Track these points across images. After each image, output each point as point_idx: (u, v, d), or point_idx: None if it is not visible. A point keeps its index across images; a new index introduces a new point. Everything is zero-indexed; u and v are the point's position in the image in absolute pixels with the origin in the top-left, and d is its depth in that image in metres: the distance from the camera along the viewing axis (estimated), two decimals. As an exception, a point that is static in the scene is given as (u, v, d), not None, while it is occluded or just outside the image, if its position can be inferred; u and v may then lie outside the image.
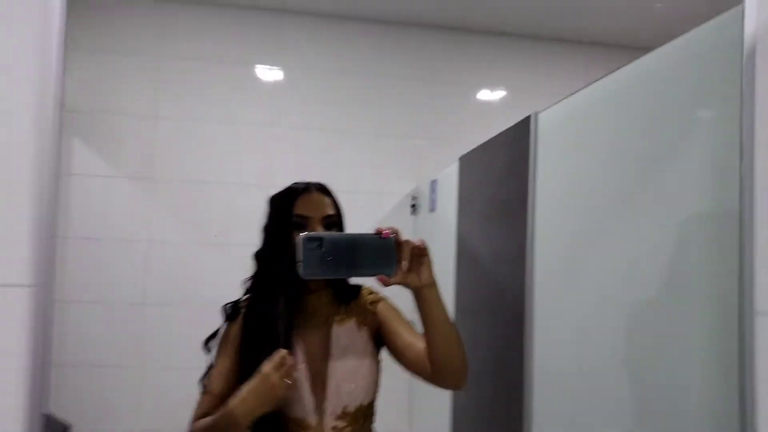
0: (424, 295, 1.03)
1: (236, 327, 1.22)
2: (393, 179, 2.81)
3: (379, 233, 0.97)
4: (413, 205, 2.77)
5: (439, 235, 2.30)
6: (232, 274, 1.36)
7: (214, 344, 1.24)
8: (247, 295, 1.25)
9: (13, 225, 0.64)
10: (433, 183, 2.47)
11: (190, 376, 1.33)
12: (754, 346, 0.72)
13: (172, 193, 2.62)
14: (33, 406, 0.67)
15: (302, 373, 1.17)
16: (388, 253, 0.96)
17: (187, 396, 1.26)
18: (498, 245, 1.69)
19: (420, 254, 0.99)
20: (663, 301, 1.01)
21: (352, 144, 2.79)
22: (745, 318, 0.75)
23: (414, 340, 1.18)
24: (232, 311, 1.24)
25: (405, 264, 0.97)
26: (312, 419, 1.16)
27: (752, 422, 0.73)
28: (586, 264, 1.26)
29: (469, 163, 2.02)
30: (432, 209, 2.49)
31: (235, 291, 1.28)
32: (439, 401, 2.17)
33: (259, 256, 1.25)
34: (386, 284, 0.99)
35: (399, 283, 0.99)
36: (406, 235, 0.99)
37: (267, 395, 1.06)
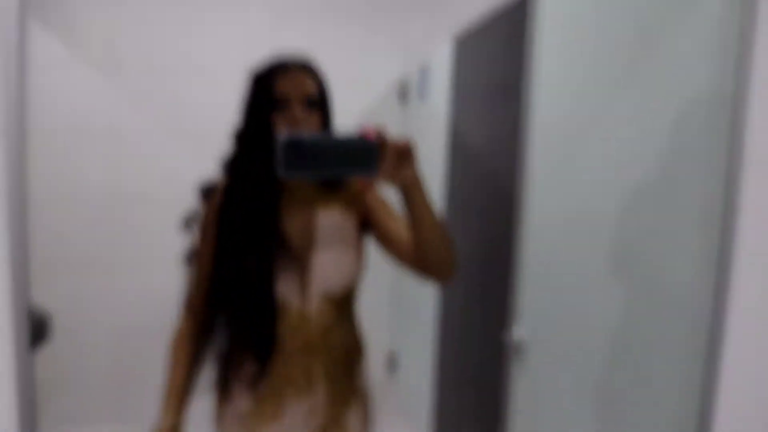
0: (409, 195, 1.00)
1: (213, 210, 1.18)
2: (374, 61, 2.65)
3: (362, 134, 0.91)
4: (402, 94, 2.63)
5: (431, 126, 2.20)
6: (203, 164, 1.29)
7: (194, 223, 1.22)
8: (227, 176, 1.19)
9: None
10: (424, 71, 2.32)
11: (164, 267, 1.31)
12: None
13: (139, 80, 2.48)
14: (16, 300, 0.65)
15: (291, 256, 1.16)
16: (371, 153, 0.92)
17: (162, 285, 1.25)
18: (493, 132, 1.62)
19: (405, 154, 0.94)
20: (659, 188, 0.98)
21: (335, 23, 2.59)
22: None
23: (403, 231, 1.16)
24: (208, 192, 1.20)
25: (389, 164, 0.94)
26: (295, 301, 1.16)
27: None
28: (583, 148, 1.20)
29: (463, 46, 1.88)
30: (422, 98, 2.36)
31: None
32: (426, 292, 2.20)
33: (239, 137, 1.18)
34: (368, 186, 0.97)
35: (383, 179, 0.95)
36: (394, 127, 0.93)
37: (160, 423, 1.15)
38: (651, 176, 1.00)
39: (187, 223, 1.23)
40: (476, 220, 1.74)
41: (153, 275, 2.48)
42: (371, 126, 0.93)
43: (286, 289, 1.16)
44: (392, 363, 2.98)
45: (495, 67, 1.61)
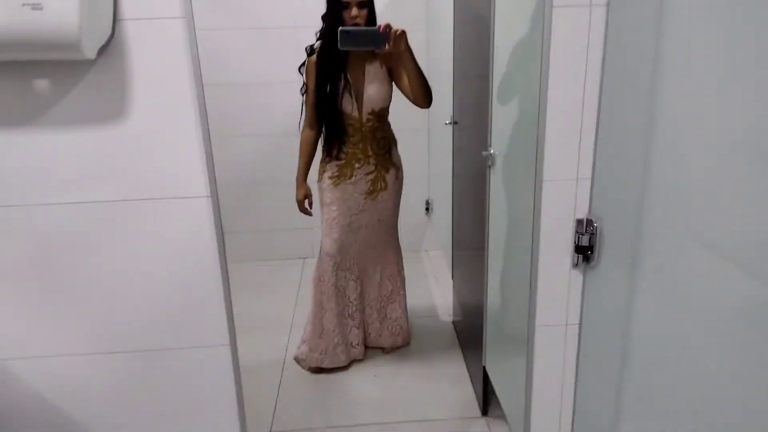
0: (404, 57, 2.04)
1: (312, 62, 2.18)
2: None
3: (379, 27, 1.89)
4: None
5: (445, 4, 2.64)
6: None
7: (303, 69, 2.23)
8: (318, 41, 2.17)
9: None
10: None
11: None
12: None
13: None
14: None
15: (351, 89, 2.16)
16: (383, 36, 1.90)
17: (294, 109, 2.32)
18: (475, 8, 2.07)
19: (401, 36, 1.94)
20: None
21: None
22: None
23: (405, 79, 2.16)
24: (311, 50, 2.21)
25: (391, 42, 1.92)
26: (355, 113, 2.20)
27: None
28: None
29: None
30: (438, -23, 2.77)
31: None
32: (446, 151, 2.76)
33: (324, 19, 2.12)
34: (382, 51, 2.05)
35: (389, 51, 1.96)
36: (419, 6, 2.49)
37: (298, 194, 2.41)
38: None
39: (300, 70, 2.25)
40: (471, 71, 2.23)
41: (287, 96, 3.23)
42: (383, 23, 1.90)
43: (349, 107, 2.18)
44: (429, 207, 3.64)
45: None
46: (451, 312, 2.93)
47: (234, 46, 3.19)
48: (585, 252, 1.26)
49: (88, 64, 1.12)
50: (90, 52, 1.05)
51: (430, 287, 3.26)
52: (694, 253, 0.96)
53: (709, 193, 0.92)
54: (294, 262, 3.63)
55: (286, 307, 3.06)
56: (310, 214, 2.44)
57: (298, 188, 2.39)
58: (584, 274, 1.31)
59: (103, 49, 1.11)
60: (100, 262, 1.27)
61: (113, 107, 1.16)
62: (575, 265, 1.29)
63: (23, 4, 0.93)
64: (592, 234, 1.24)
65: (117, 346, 1.34)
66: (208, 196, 1.23)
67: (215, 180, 1.23)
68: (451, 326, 2.82)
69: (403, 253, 2.56)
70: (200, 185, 1.23)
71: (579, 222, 1.26)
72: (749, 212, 0.82)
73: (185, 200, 1.24)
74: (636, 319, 1.16)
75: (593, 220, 1.24)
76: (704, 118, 0.92)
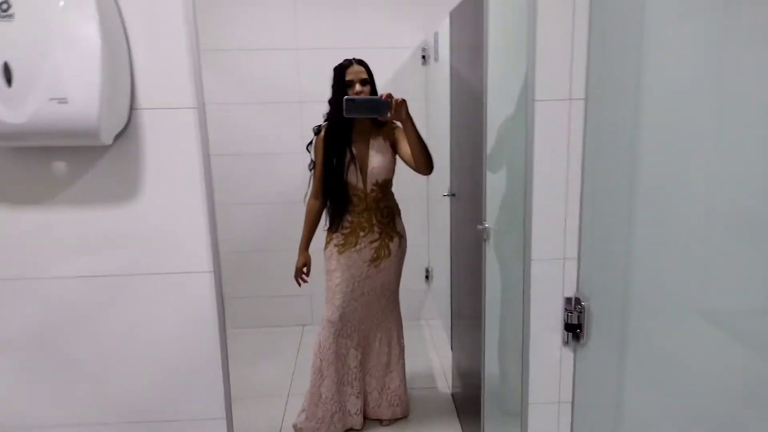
0: (405, 125, 2.13)
1: (320, 139, 2.32)
2: (405, 33, 3.25)
3: (381, 96, 1.98)
4: (423, 57, 3.23)
5: (442, 81, 2.79)
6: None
7: (311, 148, 2.37)
8: (325, 122, 2.32)
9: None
10: (435, 35, 2.90)
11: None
12: None
13: (223, 61, 3.22)
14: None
15: (356, 162, 2.29)
16: (385, 104, 1.97)
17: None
18: (471, 80, 2.19)
19: (401, 104, 2.03)
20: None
21: (368, 2, 3.22)
22: None
23: (407, 149, 2.24)
24: (318, 129, 2.35)
25: (392, 110, 2.00)
26: (360, 184, 2.31)
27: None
28: (506, 80, 1.76)
29: (457, 16, 2.44)
30: (437, 59, 2.95)
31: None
32: (444, 221, 2.84)
33: (331, 102, 2.29)
34: (384, 120, 2.21)
35: (390, 119, 2.12)
36: (418, 83, 2.75)
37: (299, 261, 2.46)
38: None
39: (308, 148, 2.38)
40: (467, 145, 2.33)
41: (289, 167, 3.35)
42: (386, 92, 2.00)
43: (354, 179, 2.30)
44: (429, 275, 3.67)
45: (469, 32, 2.17)
46: (450, 383, 2.91)
47: (241, 119, 3.34)
48: (574, 330, 1.29)
49: (104, 148, 1.21)
50: (107, 139, 1.13)
51: (430, 357, 3.24)
52: (681, 328, 1.00)
53: (693, 268, 0.96)
54: (293, 329, 3.63)
55: (284, 375, 3.04)
56: (304, 281, 2.50)
57: (299, 255, 2.46)
58: (574, 351, 1.33)
59: (119, 136, 1.20)
60: (102, 335, 1.32)
61: (125, 189, 1.24)
62: (565, 343, 1.32)
63: (50, 99, 1.03)
64: (581, 312, 1.27)
65: (114, 417, 1.36)
66: (211, 272, 1.29)
67: (219, 256, 1.29)
68: (450, 398, 2.79)
69: (403, 322, 2.58)
70: (204, 260, 1.28)
71: (567, 300, 1.30)
72: (735, 284, 0.86)
73: (188, 275, 1.29)
74: (627, 397, 1.18)
75: (581, 298, 1.28)
76: (684, 197, 0.98)
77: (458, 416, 2.60)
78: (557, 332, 1.32)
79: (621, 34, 1.14)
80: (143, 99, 1.20)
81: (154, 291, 1.30)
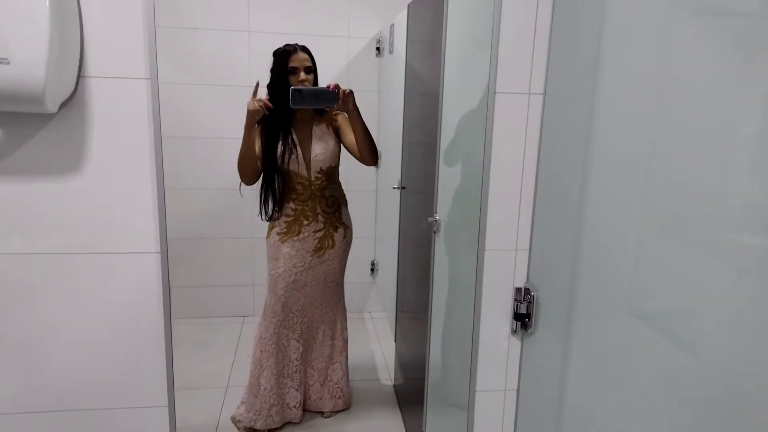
0: (351, 116, 2.11)
1: (260, 125, 2.17)
2: (360, 24, 3.23)
3: (328, 87, 1.95)
4: (378, 48, 3.22)
5: (396, 74, 2.80)
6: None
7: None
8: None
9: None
10: (392, 27, 2.90)
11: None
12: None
13: (173, 39, 3.09)
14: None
15: (298, 149, 2.21)
16: (332, 95, 1.96)
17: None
18: (428, 73, 2.21)
19: (349, 95, 2.01)
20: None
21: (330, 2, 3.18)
22: None
23: (352, 138, 2.22)
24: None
25: (340, 101, 1.98)
26: (304, 172, 2.25)
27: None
28: (465, 74, 1.79)
29: (414, 9, 2.45)
30: (391, 51, 2.95)
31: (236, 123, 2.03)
32: (392, 215, 2.85)
33: (270, 87, 2.20)
34: (331, 111, 2.20)
35: (337, 110, 2.10)
36: (372, 75, 2.57)
37: (251, 115, 2.07)
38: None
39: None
40: (420, 138, 2.35)
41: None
42: (333, 83, 1.96)
43: (298, 167, 2.23)
44: (374, 268, 3.68)
45: (428, 26, 2.19)
46: (392, 375, 2.93)
47: (189, 100, 3.22)
48: (523, 319, 1.33)
49: (48, 117, 1.13)
50: (52, 106, 1.06)
51: (372, 349, 3.25)
52: (624, 322, 1.04)
53: (637, 266, 1.01)
54: (234, 319, 3.55)
55: (224, 366, 2.97)
56: (267, 105, 2.06)
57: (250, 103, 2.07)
58: (522, 340, 1.37)
59: (64, 104, 1.13)
60: (38, 317, 1.23)
61: (68, 161, 1.16)
62: (514, 332, 1.36)
63: (-11, 58, 0.95)
64: (530, 302, 1.31)
65: (47, 404, 1.28)
66: (158, 252, 1.23)
67: (167, 236, 1.24)
68: (392, 389, 2.81)
69: (348, 315, 2.57)
70: (150, 241, 1.23)
71: (518, 290, 1.34)
72: (675, 284, 0.91)
73: (134, 255, 1.23)
74: (570, 386, 1.23)
75: (530, 289, 1.32)
76: (632, 194, 1.02)
77: (400, 407, 2.63)
78: (506, 321, 1.36)
79: (581, 31, 1.17)
80: (93, 66, 1.13)
81: (95, 272, 1.23)
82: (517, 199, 1.31)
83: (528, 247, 1.33)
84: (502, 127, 1.27)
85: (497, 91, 1.24)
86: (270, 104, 2.06)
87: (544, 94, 1.26)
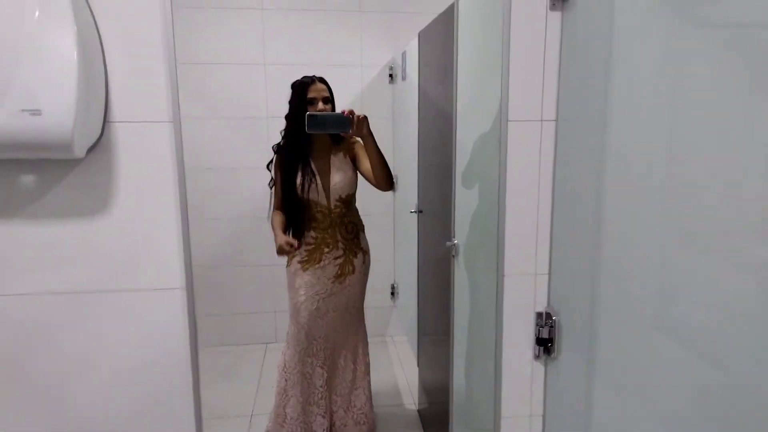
0: (366, 141, 2.12)
1: (280, 156, 2.30)
2: (373, 52, 3.29)
3: (343, 112, 1.98)
4: (390, 75, 3.27)
5: (409, 100, 2.84)
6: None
7: (271, 165, 2.34)
8: (284, 139, 2.29)
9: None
10: (404, 54, 2.95)
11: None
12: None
13: (191, 75, 3.18)
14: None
15: (317, 178, 2.27)
16: (347, 120, 1.98)
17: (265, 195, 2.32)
18: (440, 99, 2.24)
19: (363, 121, 2.02)
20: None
21: (336, 21, 3.25)
22: None
23: (368, 164, 2.24)
24: (277, 147, 2.33)
25: (354, 126, 1.99)
26: (323, 201, 2.29)
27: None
28: (477, 100, 1.81)
29: (425, 36, 2.50)
30: (404, 78, 2.99)
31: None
32: (411, 239, 2.86)
33: (288, 118, 2.27)
34: (346, 136, 2.23)
35: (352, 135, 2.06)
36: (385, 101, 2.72)
37: (279, 251, 2.23)
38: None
39: (268, 167, 2.36)
40: (435, 162, 2.37)
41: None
42: (347, 109, 2.00)
43: (317, 196, 2.28)
44: (395, 291, 3.69)
45: (439, 52, 2.22)
46: (416, 399, 2.91)
47: (208, 134, 3.29)
48: (546, 344, 1.33)
49: (76, 162, 1.18)
50: (80, 152, 1.11)
51: (395, 374, 3.24)
52: (648, 341, 1.04)
53: (659, 283, 1.01)
54: (256, 347, 3.57)
55: (248, 394, 2.98)
56: (296, 247, 2.24)
57: (277, 238, 2.25)
58: (545, 365, 1.37)
59: (91, 149, 1.17)
60: (66, 354, 1.27)
61: (95, 203, 1.21)
62: (537, 357, 1.35)
63: (23, 110, 1.00)
64: (552, 327, 1.31)
65: (77, 441, 1.30)
66: (183, 288, 1.26)
67: (192, 272, 1.27)
68: (416, 414, 2.79)
69: (369, 339, 2.58)
70: (176, 277, 1.26)
71: (539, 315, 1.34)
72: (699, 298, 0.91)
73: (159, 292, 1.26)
74: (596, 409, 1.22)
75: (551, 313, 1.32)
76: (649, 211, 1.03)
77: (425, 432, 2.61)
78: (529, 347, 1.35)
79: (591, 57, 1.19)
80: (118, 112, 1.18)
81: (122, 308, 1.27)
82: (534, 224, 1.32)
83: (547, 271, 1.33)
84: (516, 152, 1.28)
85: (510, 119, 1.26)
86: (296, 244, 2.23)
87: (557, 120, 1.27)
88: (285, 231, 2.33)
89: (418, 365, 2.93)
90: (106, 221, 1.22)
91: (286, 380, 2.34)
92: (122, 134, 1.19)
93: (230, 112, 3.30)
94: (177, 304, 1.27)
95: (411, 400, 2.93)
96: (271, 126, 3.27)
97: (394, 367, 3.31)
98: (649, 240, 1.03)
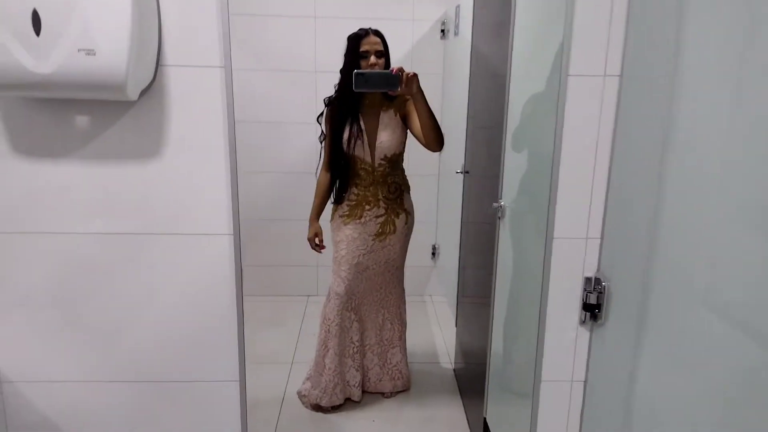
0: (415, 99, 2.08)
1: (330, 110, 2.27)
2: (425, 5, 3.19)
3: (392, 70, 1.92)
4: (443, 30, 3.17)
5: (461, 57, 2.75)
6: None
7: (322, 119, 2.32)
8: (336, 93, 2.26)
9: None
10: (457, 8, 2.84)
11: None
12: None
13: (241, 26, 3.17)
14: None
15: (364, 135, 2.24)
16: (395, 78, 1.92)
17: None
18: (494, 58, 2.16)
19: (412, 79, 1.97)
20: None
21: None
22: None
23: (418, 125, 2.19)
24: (329, 101, 2.30)
25: (404, 84, 1.94)
26: (368, 158, 2.27)
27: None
28: (535, 56, 1.73)
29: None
30: (456, 33, 2.90)
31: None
32: (455, 200, 2.82)
33: (342, 71, 2.22)
34: (394, 94, 2.06)
35: (401, 93, 1.99)
36: (436, 58, 2.72)
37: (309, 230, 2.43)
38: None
39: (318, 120, 2.33)
40: (486, 122, 2.31)
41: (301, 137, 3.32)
42: (396, 66, 1.94)
43: (362, 153, 2.25)
44: (435, 252, 3.67)
45: (495, 6, 2.13)
46: (452, 359, 2.93)
47: (256, 86, 3.30)
48: (592, 310, 1.29)
49: (129, 104, 1.19)
50: (133, 94, 1.12)
51: (433, 333, 3.26)
52: (700, 315, 0.99)
53: (715, 257, 0.96)
54: (299, 298, 3.65)
55: (289, 343, 3.06)
56: (320, 250, 2.47)
57: (310, 226, 2.45)
58: (591, 331, 1.33)
59: (144, 92, 1.18)
60: (118, 293, 1.31)
61: (147, 146, 1.22)
62: (582, 323, 1.32)
63: (79, 50, 1.01)
64: (600, 293, 1.27)
65: (127, 375, 1.36)
66: (230, 234, 1.28)
67: (239, 219, 1.28)
68: (452, 373, 2.81)
69: (408, 298, 2.59)
70: (224, 223, 1.28)
71: (587, 280, 1.30)
72: (754, 276, 0.86)
73: (208, 237, 1.28)
74: (640, 379, 1.19)
75: (601, 279, 1.27)
76: (711, 182, 0.97)
77: (460, 392, 2.63)
78: (575, 311, 1.32)
79: (661, 7, 1.11)
80: (170, 55, 1.17)
81: (172, 251, 1.30)
82: (588, 186, 1.26)
83: (600, 236, 1.28)
84: (575, 110, 1.22)
85: (570, 73, 1.20)
86: (322, 249, 2.45)
87: (621, 76, 1.20)
88: (331, 187, 2.37)
89: (456, 326, 2.93)
90: (157, 165, 1.24)
91: (326, 332, 2.39)
92: (174, 78, 1.19)
93: (278, 65, 3.29)
94: (225, 250, 1.29)
95: (447, 359, 2.95)
96: (320, 81, 3.25)
97: (432, 327, 3.33)
98: (707, 212, 0.97)
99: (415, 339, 2.73)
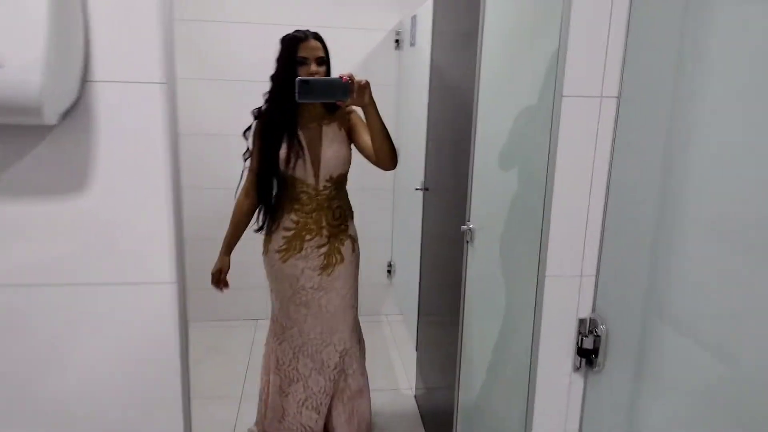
0: (366, 111, 1.76)
1: (261, 123, 1.91)
2: (378, 15, 3.05)
3: (341, 77, 1.61)
4: (397, 41, 3.04)
5: (418, 68, 2.62)
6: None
7: (249, 134, 1.95)
8: (267, 104, 1.92)
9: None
10: (413, 18, 2.72)
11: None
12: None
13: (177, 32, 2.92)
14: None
15: (305, 153, 1.90)
16: (345, 87, 1.62)
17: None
18: (459, 70, 2.04)
19: (364, 88, 1.66)
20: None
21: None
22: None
23: (368, 140, 1.88)
24: (258, 113, 1.95)
25: (354, 94, 1.64)
26: (311, 179, 1.92)
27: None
28: (516, 70, 1.62)
29: (440, 1, 2.28)
30: (413, 44, 2.77)
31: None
32: (415, 213, 2.69)
33: (274, 78, 1.90)
34: (344, 106, 1.83)
35: (351, 104, 1.70)
36: (391, 69, 2.24)
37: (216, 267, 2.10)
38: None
39: (245, 134, 1.97)
40: (448, 138, 2.18)
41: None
42: (346, 73, 1.63)
43: (304, 173, 1.90)
44: (391, 270, 3.53)
45: (459, 17, 2.01)
46: (413, 385, 2.79)
47: (195, 96, 3.05)
48: (588, 355, 1.17)
49: (46, 129, 0.97)
50: (51, 117, 0.90)
51: (390, 355, 3.11)
52: (704, 363, 0.90)
53: (717, 299, 0.87)
54: (246, 323, 3.41)
55: (237, 374, 2.83)
56: (222, 288, 2.15)
57: (217, 260, 2.09)
58: (585, 377, 1.21)
59: (66, 114, 0.96)
60: (31, 355, 1.08)
61: (70, 179, 1.00)
62: (577, 368, 1.20)
63: (-24, 62, 0.79)
64: (597, 336, 1.15)
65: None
66: (174, 283, 1.08)
67: (184, 264, 1.08)
68: (413, 401, 2.67)
69: (363, 317, 2.35)
70: (165, 269, 1.07)
71: (581, 321, 1.18)
72: (757, 320, 0.77)
73: (145, 286, 1.07)
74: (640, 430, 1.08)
75: (597, 320, 1.16)
76: (717, 213, 0.88)
77: (423, 422, 2.48)
78: (568, 356, 1.20)
79: (663, 25, 1.01)
80: (100, 69, 0.96)
81: (104, 304, 1.07)
82: (583, 219, 1.14)
83: (595, 273, 1.17)
84: (569, 134, 1.10)
85: (564, 94, 1.07)
86: (226, 287, 2.14)
87: (619, 97, 1.09)
88: (251, 215, 2.06)
89: (417, 349, 2.79)
90: (82, 201, 1.01)
91: (280, 378, 2.11)
92: (104, 96, 0.97)
93: (220, 74, 3.06)
94: (167, 300, 1.08)
95: (407, 384, 2.81)
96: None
97: (389, 349, 3.18)
98: (713, 247, 0.88)
99: (371, 361, 2.56)
